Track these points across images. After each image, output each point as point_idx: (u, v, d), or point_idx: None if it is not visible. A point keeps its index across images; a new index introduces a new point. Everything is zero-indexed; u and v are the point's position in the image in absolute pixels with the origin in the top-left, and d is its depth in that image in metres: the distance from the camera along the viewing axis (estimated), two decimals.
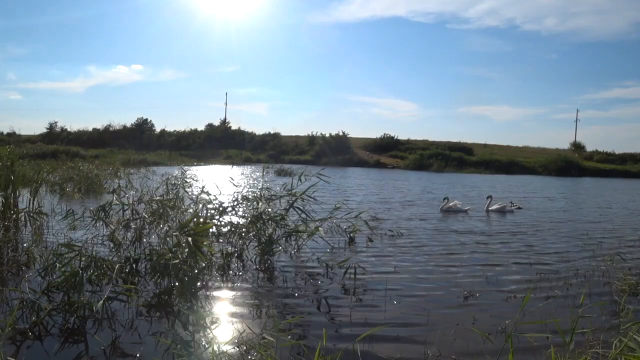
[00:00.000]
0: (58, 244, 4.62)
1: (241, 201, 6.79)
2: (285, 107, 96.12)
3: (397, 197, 15.21)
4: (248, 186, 7.36)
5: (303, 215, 6.39)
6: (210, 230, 6.09)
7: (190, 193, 7.49)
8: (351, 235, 7.45)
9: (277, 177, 21.61)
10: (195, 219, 4.57)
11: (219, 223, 6.38)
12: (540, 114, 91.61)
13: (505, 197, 15.40)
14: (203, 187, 7.57)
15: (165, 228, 5.59)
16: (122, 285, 4.12)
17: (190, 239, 4.09)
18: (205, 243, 4.35)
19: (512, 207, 12.21)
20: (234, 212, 6.69)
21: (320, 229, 6.13)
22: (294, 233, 6.25)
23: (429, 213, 11.30)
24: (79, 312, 3.71)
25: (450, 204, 11.65)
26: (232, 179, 7.89)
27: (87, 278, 4.27)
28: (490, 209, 11.85)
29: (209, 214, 6.32)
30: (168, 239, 4.74)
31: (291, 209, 6.50)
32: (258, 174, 22.79)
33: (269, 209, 6.33)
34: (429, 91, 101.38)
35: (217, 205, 6.56)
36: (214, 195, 6.88)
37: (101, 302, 3.63)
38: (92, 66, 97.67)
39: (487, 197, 12.36)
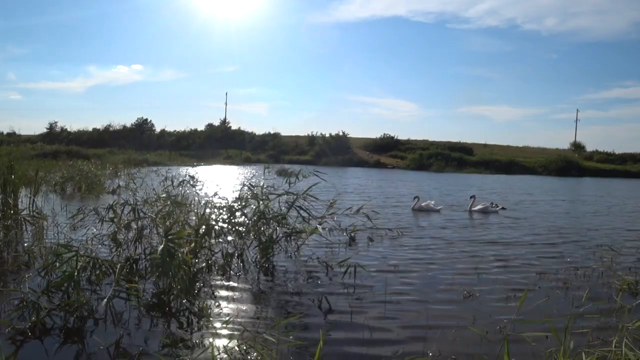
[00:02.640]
0: (57, 244, 4.62)
1: (243, 201, 6.78)
2: (285, 107, 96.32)
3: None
4: (249, 186, 7.30)
5: (304, 214, 6.35)
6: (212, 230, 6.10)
7: (196, 192, 7.51)
8: (351, 235, 7.45)
9: (278, 177, 21.61)
10: (178, 224, 4.60)
11: (220, 223, 6.38)
12: (540, 114, 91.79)
13: (525, 199, 15.33)
14: (216, 192, 7.58)
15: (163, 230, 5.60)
16: (124, 285, 4.12)
17: (162, 246, 4.10)
18: (182, 250, 4.36)
19: (496, 208, 12.03)
20: (236, 212, 6.69)
21: (319, 227, 6.12)
22: (294, 233, 6.25)
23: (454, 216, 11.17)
24: (79, 312, 3.72)
25: (423, 204, 11.54)
26: (251, 185, 7.75)
27: (87, 278, 4.28)
28: (473, 209, 11.71)
29: (214, 216, 6.32)
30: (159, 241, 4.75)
31: (293, 209, 6.45)
32: (258, 173, 22.78)
33: (271, 209, 6.31)
34: (429, 91, 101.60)
35: (224, 206, 6.56)
36: (219, 197, 6.90)
37: (105, 301, 3.63)
38: (92, 66, 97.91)
39: (470, 197, 12.20)
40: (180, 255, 4.22)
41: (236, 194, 6.98)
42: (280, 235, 6.22)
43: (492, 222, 10.19)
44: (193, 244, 4.77)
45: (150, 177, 15.75)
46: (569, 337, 2.88)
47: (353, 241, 7.32)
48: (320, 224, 6.36)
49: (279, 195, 6.49)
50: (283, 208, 6.36)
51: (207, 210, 6.26)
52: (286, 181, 6.83)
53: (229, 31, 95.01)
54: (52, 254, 4.39)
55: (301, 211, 6.27)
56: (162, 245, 4.11)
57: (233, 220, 6.31)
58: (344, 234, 7.44)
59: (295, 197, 6.28)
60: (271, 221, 6.12)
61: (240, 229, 6.21)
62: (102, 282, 4.42)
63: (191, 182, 7.67)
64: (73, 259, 4.02)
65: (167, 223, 5.66)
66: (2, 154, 8.62)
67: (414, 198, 11.90)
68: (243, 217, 6.43)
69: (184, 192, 7.10)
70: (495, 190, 19.81)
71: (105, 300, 3.64)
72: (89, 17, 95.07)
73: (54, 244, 5.57)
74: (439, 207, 11.65)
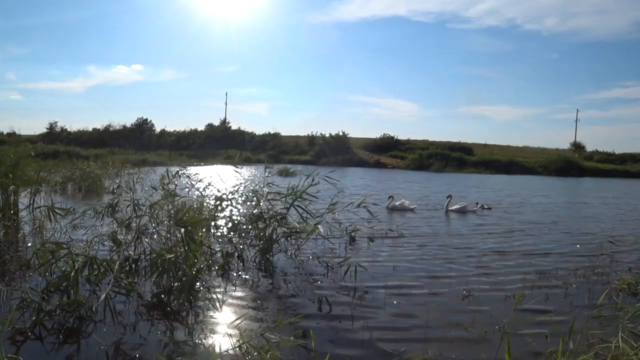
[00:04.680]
0: (52, 242, 4.62)
1: (242, 199, 6.77)
2: (285, 107, 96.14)
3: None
4: (249, 185, 7.32)
5: (304, 214, 6.31)
6: (211, 229, 6.10)
7: (193, 186, 7.50)
8: (352, 235, 7.45)
9: (279, 177, 21.58)
10: (189, 212, 4.62)
11: (219, 221, 6.38)
12: (540, 114, 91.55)
13: (543, 201, 15.17)
14: (209, 182, 7.58)
15: (165, 222, 5.62)
16: (124, 282, 4.13)
17: (183, 230, 4.12)
18: (199, 234, 4.38)
19: (475, 208, 11.86)
20: (235, 210, 6.69)
21: (319, 226, 6.11)
22: (294, 233, 6.23)
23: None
24: (78, 311, 3.72)
25: (397, 203, 11.49)
26: (237, 170, 7.76)
27: (86, 277, 4.29)
28: (450, 208, 11.59)
29: (210, 206, 6.33)
30: (167, 234, 4.76)
31: (293, 209, 6.39)
32: (258, 173, 22.76)
33: (270, 207, 6.29)
34: (429, 91, 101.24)
35: (218, 199, 6.57)
36: (217, 190, 6.92)
37: (102, 297, 3.64)
38: (92, 66, 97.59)
39: (447, 197, 12.08)
40: (201, 239, 4.23)
41: (234, 192, 6.98)
42: (280, 235, 6.22)
43: (495, 221, 10.19)
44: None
45: (150, 177, 15.77)
46: (569, 336, 2.89)
47: (353, 241, 7.32)
48: (319, 223, 6.35)
49: (283, 196, 6.44)
50: (282, 209, 6.35)
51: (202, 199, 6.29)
52: (293, 188, 6.77)
53: (229, 31, 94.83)
54: (48, 252, 4.39)
55: (301, 211, 6.25)
56: (183, 232, 4.11)
57: (233, 219, 6.32)
58: (344, 233, 7.44)
59: (294, 197, 6.26)
60: (271, 220, 6.12)
61: (242, 221, 6.22)
62: (101, 282, 4.43)
63: (188, 177, 7.55)
64: (70, 258, 4.03)
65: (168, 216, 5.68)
66: (3, 154, 8.61)
67: (389, 197, 11.87)
68: (242, 216, 6.43)
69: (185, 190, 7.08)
70: (511, 192, 19.26)
71: (102, 295, 3.65)
72: (89, 17, 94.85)
73: (52, 243, 5.58)
74: (413, 206, 11.61)
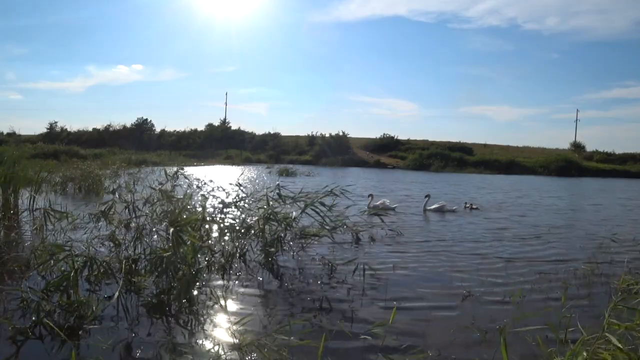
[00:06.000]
0: (51, 244, 4.63)
1: (247, 200, 6.75)
2: (285, 107, 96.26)
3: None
4: (253, 185, 7.33)
5: (319, 219, 6.26)
6: (212, 230, 6.09)
7: (194, 187, 7.49)
8: (357, 235, 7.45)
9: (280, 176, 21.58)
10: (182, 213, 4.64)
11: (223, 219, 6.37)
12: (540, 114, 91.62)
13: (555, 203, 15.11)
14: (212, 184, 7.54)
15: (164, 223, 5.62)
16: (133, 280, 4.14)
17: (172, 229, 4.13)
18: (193, 235, 4.39)
19: (455, 207, 11.84)
20: (239, 212, 6.67)
21: (326, 227, 6.07)
22: (304, 237, 6.18)
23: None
24: (79, 311, 3.73)
25: (377, 203, 11.41)
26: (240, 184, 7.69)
27: (86, 278, 4.29)
28: (428, 208, 11.57)
29: (211, 207, 6.33)
30: (166, 234, 4.77)
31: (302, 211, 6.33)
32: (259, 173, 22.78)
33: (279, 211, 6.25)
34: (429, 91, 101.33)
35: (221, 201, 6.56)
36: (222, 191, 6.92)
37: (116, 294, 3.70)
38: (92, 66, 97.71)
39: (425, 196, 12.03)
40: (190, 240, 4.24)
41: (240, 193, 6.96)
42: (293, 236, 6.19)
43: (495, 221, 10.20)
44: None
45: (150, 178, 15.77)
46: (566, 336, 2.89)
47: (359, 241, 7.33)
48: (332, 228, 6.32)
49: (294, 199, 6.38)
50: (294, 212, 6.32)
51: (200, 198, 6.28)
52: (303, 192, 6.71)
53: (229, 31, 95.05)
54: (47, 253, 4.40)
55: (315, 215, 6.20)
56: (172, 232, 4.13)
57: (237, 220, 6.30)
58: (348, 233, 7.44)
59: (308, 202, 6.20)
60: (281, 222, 6.07)
61: (244, 226, 6.20)
62: (101, 282, 4.44)
63: (185, 175, 7.49)
64: (69, 258, 4.03)
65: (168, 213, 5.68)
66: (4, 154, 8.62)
67: (368, 196, 11.81)
68: (248, 218, 6.41)
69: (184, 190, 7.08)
70: (522, 192, 19.05)
71: (116, 293, 3.74)
72: (89, 17, 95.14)
73: (51, 244, 5.58)
74: (394, 206, 11.55)
